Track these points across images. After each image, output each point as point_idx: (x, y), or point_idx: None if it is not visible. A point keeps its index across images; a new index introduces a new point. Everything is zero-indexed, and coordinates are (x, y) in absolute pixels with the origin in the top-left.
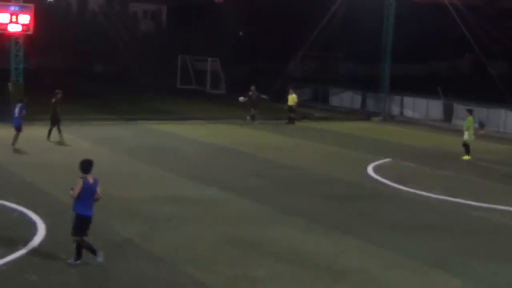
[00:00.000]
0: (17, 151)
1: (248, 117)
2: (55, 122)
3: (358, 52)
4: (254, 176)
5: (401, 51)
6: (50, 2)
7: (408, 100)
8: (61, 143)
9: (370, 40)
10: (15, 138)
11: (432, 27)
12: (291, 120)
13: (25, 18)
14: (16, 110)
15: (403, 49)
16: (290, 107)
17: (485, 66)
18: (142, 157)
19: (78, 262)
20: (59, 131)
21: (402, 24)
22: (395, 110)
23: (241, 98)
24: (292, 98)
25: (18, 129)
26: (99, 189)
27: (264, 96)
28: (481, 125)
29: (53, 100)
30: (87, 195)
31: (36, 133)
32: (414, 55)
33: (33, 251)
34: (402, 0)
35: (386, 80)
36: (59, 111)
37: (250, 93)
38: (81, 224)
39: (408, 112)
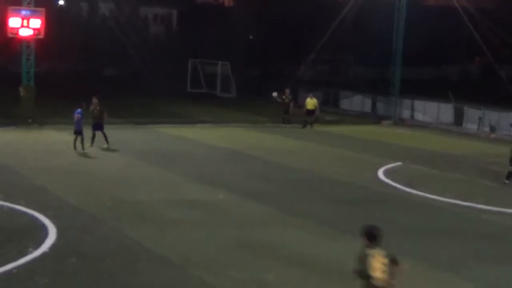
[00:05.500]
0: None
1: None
2: None
3: (368, 56)
4: (265, 179)
5: (411, 54)
6: (61, 6)
7: (418, 104)
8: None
9: (380, 43)
10: (75, 141)
11: (443, 31)
12: (307, 124)
13: (36, 22)
14: (74, 114)
15: (414, 52)
16: (310, 111)
17: (496, 70)
18: (153, 161)
19: None
20: None
21: (413, 28)
22: (406, 113)
23: (274, 94)
24: (314, 103)
25: (76, 133)
26: None
27: (296, 104)
28: (492, 129)
29: None
30: None
31: (46, 136)
32: (424, 59)
33: (44, 255)
34: (412, 3)
35: (397, 83)
36: None
37: (283, 96)
38: None
39: (419, 116)
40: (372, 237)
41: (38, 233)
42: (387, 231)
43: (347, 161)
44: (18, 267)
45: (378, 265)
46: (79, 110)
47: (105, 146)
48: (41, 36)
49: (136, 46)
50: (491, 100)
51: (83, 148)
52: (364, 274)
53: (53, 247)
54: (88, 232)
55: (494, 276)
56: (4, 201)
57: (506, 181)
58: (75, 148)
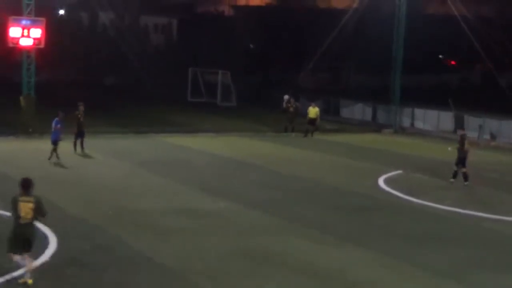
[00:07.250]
0: (58, 164)
1: (286, 132)
2: None
3: (368, 64)
4: (266, 188)
5: (412, 62)
6: (61, 16)
7: (419, 112)
8: None
9: (381, 51)
10: (51, 152)
11: (443, 39)
12: (308, 133)
13: (36, 32)
14: (53, 124)
15: (414, 60)
16: (312, 120)
17: (496, 78)
18: (154, 170)
19: None
20: None
21: (413, 36)
22: (406, 122)
23: (286, 97)
24: (315, 112)
25: (53, 143)
26: None
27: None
28: (492, 136)
29: None
30: None
31: (46, 146)
32: (424, 66)
33: (45, 264)
34: (413, 11)
35: (397, 91)
36: None
37: (289, 104)
38: None
39: (419, 124)
40: (25, 187)
41: (38, 243)
42: (388, 238)
43: (348, 169)
44: (19, 277)
45: (25, 208)
46: (57, 119)
47: (81, 151)
48: (42, 46)
49: (136, 55)
50: (491, 108)
51: (50, 158)
52: (15, 215)
53: (53, 256)
54: (88, 241)
55: (495, 284)
56: (4, 211)
57: (452, 180)
58: (50, 158)
